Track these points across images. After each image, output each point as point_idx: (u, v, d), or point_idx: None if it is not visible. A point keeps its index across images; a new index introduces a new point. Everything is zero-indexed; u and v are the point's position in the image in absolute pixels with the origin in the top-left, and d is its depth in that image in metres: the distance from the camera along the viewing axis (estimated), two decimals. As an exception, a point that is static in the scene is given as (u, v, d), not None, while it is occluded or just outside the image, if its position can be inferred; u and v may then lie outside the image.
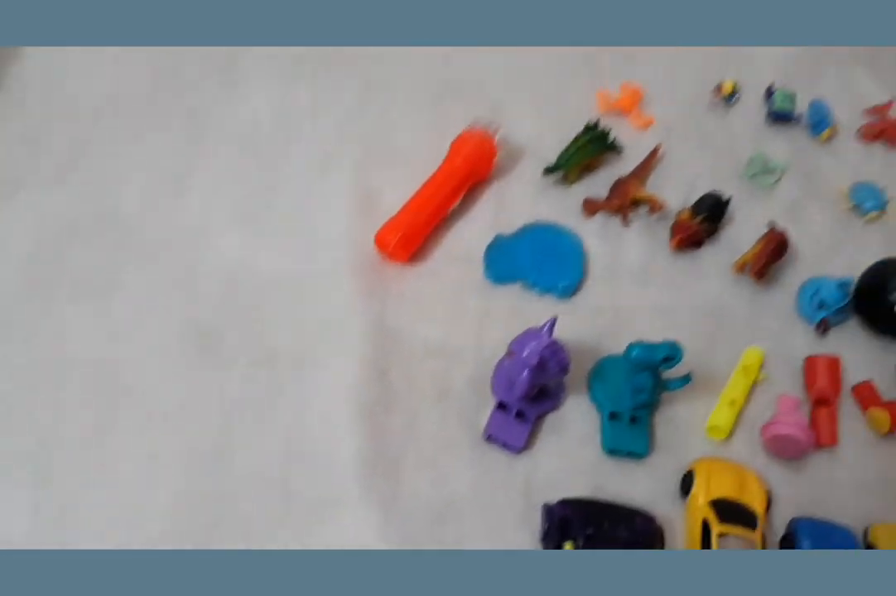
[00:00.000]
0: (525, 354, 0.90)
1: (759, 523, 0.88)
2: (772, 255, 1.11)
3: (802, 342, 1.09)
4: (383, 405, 0.96)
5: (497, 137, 1.18)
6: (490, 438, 0.94)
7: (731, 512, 0.88)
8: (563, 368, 0.92)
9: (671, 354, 0.90)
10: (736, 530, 0.86)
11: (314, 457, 0.92)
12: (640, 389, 0.94)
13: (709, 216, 1.16)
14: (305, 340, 1.00)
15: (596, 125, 1.21)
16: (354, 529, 0.87)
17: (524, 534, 0.89)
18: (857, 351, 1.10)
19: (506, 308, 1.06)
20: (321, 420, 0.94)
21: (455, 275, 1.10)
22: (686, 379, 0.97)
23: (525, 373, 0.91)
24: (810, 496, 0.97)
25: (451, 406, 0.97)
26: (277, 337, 1.00)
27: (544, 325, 0.92)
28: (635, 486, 0.95)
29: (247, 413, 0.94)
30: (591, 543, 0.82)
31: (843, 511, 0.95)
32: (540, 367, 0.90)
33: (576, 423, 0.99)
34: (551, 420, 0.99)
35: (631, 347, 0.91)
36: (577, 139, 1.20)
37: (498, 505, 0.91)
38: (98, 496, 0.86)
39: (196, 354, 0.98)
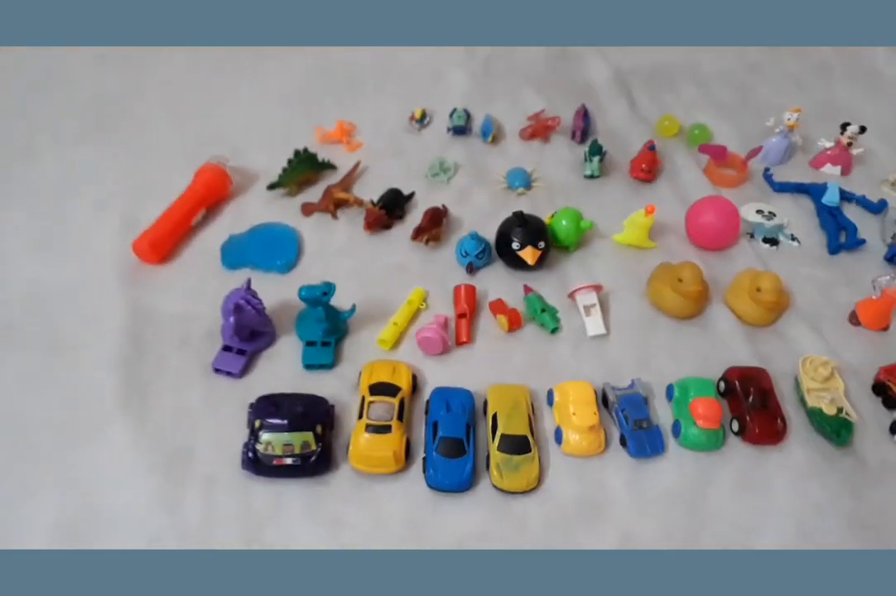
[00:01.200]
0: (226, 305, 1.32)
1: (401, 393, 1.28)
2: (428, 223, 1.56)
3: (460, 281, 1.52)
4: (137, 356, 1.35)
5: (228, 165, 1.62)
6: (215, 369, 1.34)
7: (380, 389, 1.29)
8: (259, 311, 1.33)
9: (325, 289, 1.32)
10: (380, 399, 1.26)
11: (87, 399, 1.30)
12: (319, 319, 1.36)
13: (389, 205, 1.60)
14: (81, 326, 1.39)
15: (303, 151, 1.66)
16: (119, 440, 1.25)
17: (242, 431, 1.26)
18: (498, 281, 1.54)
19: (238, 285, 1.46)
20: (92, 375, 1.32)
21: (199, 267, 1.51)
22: (352, 310, 1.39)
23: (229, 318, 1.32)
24: (454, 376, 1.37)
25: (190, 353, 1.37)
26: (61, 327, 1.39)
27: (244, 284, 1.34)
28: (327, 386, 1.34)
29: (39, 381, 1.32)
30: (274, 414, 1.21)
31: (477, 382, 1.36)
32: (238, 311, 1.31)
33: (286, 353, 1.39)
34: (268, 353, 1.39)
35: (300, 289, 1.33)
36: (290, 162, 1.65)
37: (223, 414, 1.30)
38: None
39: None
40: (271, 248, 1.53)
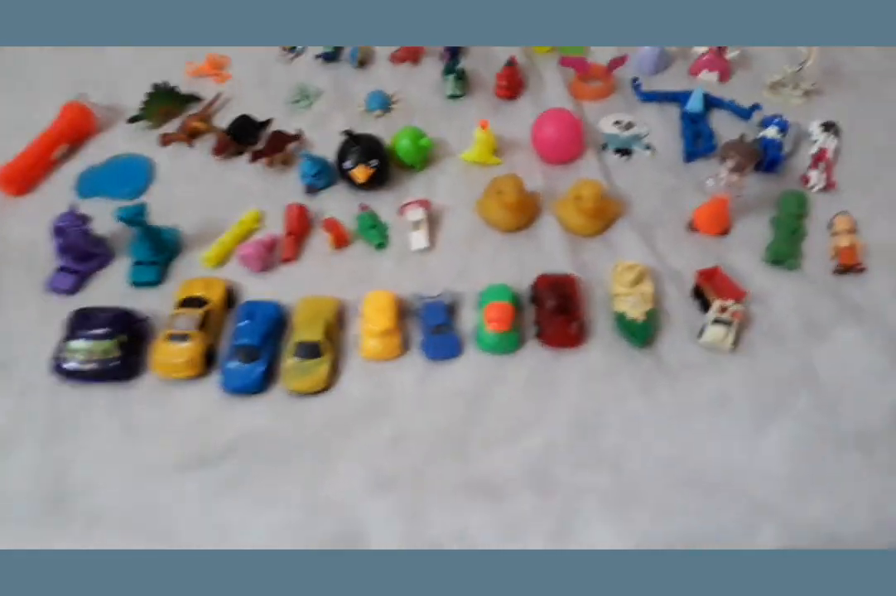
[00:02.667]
0: (51, 228, 1.43)
1: (208, 305, 1.37)
2: (269, 147, 1.63)
3: (303, 202, 1.59)
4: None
5: (94, 102, 1.72)
6: (50, 288, 1.46)
7: (190, 302, 1.39)
8: (83, 233, 1.44)
9: (138, 210, 1.41)
10: (184, 311, 1.36)
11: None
12: (141, 239, 1.46)
13: (238, 132, 1.68)
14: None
15: (162, 84, 1.75)
16: None
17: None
18: (339, 201, 1.60)
19: (90, 211, 1.55)
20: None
21: (56, 197, 1.61)
22: (174, 230, 1.48)
23: (54, 239, 1.43)
24: (276, 291, 1.44)
25: (32, 275, 1.49)
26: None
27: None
28: (153, 302, 1.44)
29: None
30: (81, 326, 1.32)
31: (297, 297, 1.42)
32: (60, 233, 1.42)
33: (119, 272, 1.50)
34: (105, 274, 1.50)
35: (116, 210, 1.42)
36: (148, 95, 1.74)
37: (54, 329, 1.39)
38: None
39: None
40: (124, 177, 1.64)
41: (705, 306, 1.38)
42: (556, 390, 1.30)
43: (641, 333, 1.32)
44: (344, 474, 1.21)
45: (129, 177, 1.64)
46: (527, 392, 1.30)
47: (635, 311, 1.34)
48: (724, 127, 1.69)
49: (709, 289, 1.38)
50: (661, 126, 1.71)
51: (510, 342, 1.33)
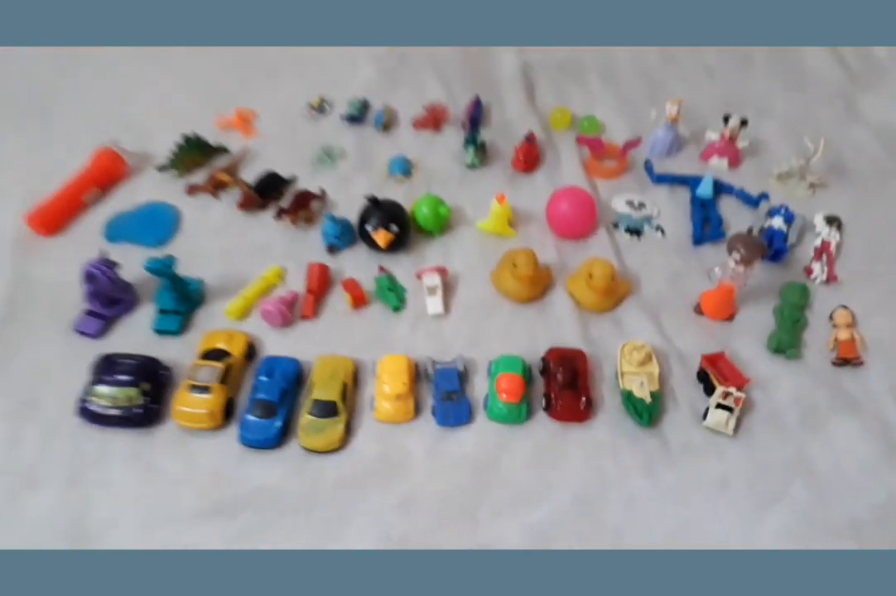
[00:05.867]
0: (81, 273, 1.53)
1: (230, 359, 1.48)
2: (293, 205, 1.75)
3: (324, 261, 1.70)
4: (6, 317, 1.57)
5: (125, 149, 1.84)
6: (76, 330, 1.55)
7: (213, 354, 1.49)
8: (112, 280, 1.54)
9: (167, 261, 1.52)
10: (206, 363, 1.46)
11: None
12: (167, 288, 1.56)
13: (263, 187, 1.80)
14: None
15: (193, 136, 1.87)
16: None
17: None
18: (357, 261, 1.72)
19: (116, 256, 1.66)
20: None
21: (85, 240, 1.72)
22: (199, 282, 1.60)
23: (83, 284, 1.53)
24: (294, 347, 1.55)
25: (58, 316, 1.58)
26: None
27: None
28: (174, 351, 1.54)
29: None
30: (106, 371, 1.42)
31: (313, 354, 1.53)
32: (90, 279, 1.52)
33: (146, 320, 1.60)
34: (130, 319, 1.60)
35: (146, 260, 1.53)
36: (178, 146, 1.87)
37: (78, 371, 1.48)
38: None
39: None
40: (151, 224, 1.75)
41: (709, 389, 1.50)
42: (561, 464, 1.41)
43: (648, 412, 1.44)
44: (355, 531, 1.30)
45: (156, 225, 1.75)
46: (533, 463, 1.41)
47: (642, 391, 1.46)
48: (733, 213, 1.84)
49: (713, 373, 1.50)
50: (671, 208, 1.85)
51: (520, 413, 1.44)
